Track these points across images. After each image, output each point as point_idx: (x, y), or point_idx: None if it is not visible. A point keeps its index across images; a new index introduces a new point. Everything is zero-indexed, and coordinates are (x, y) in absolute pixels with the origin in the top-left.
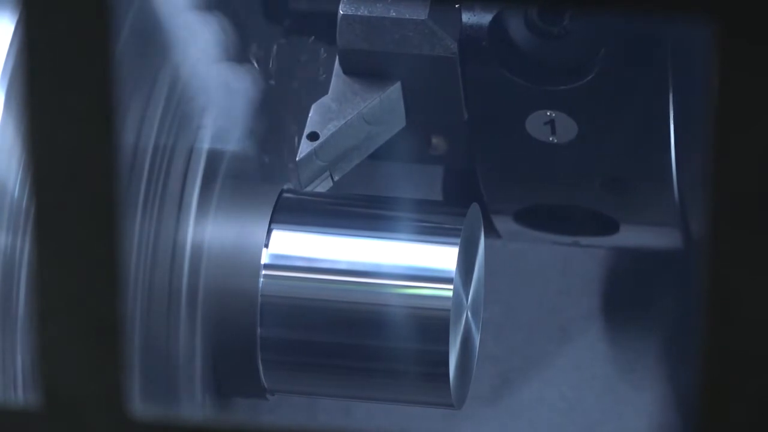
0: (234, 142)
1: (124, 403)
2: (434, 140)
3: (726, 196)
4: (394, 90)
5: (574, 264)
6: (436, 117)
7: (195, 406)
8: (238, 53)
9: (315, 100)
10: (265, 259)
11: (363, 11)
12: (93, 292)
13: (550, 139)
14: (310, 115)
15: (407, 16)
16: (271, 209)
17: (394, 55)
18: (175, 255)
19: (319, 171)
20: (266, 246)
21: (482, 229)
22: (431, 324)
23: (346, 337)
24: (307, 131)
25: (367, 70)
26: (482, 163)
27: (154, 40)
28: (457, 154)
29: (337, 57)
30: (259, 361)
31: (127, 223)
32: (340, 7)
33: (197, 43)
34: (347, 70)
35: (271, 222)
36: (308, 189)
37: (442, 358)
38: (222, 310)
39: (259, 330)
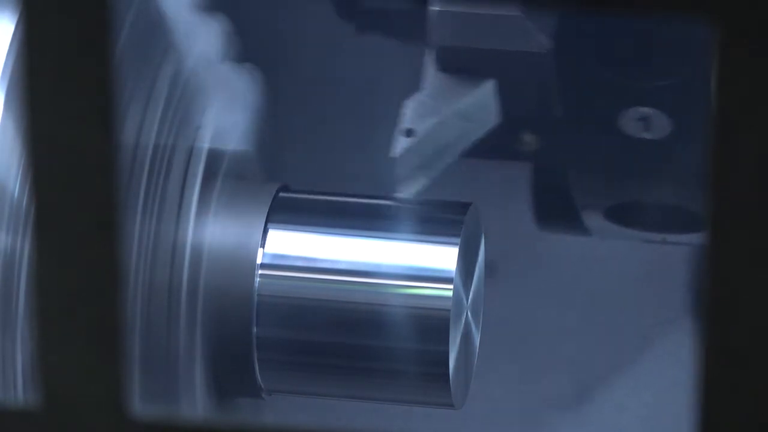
0: (234, 142)
1: (124, 403)
2: (526, 137)
3: (726, 195)
4: (488, 86)
5: (658, 266)
6: (528, 113)
7: (195, 406)
8: (239, 53)
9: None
10: (261, 259)
11: (458, 7)
12: (93, 292)
13: (644, 135)
14: (404, 111)
15: (502, 12)
16: (268, 209)
17: (489, 51)
18: (175, 255)
19: (414, 168)
20: (262, 245)
21: (482, 229)
22: (431, 324)
23: (343, 337)
24: (402, 127)
25: (461, 66)
26: (573, 160)
27: (154, 40)
28: (547, 150)
29: (429, 53)
30: (256, 361)
31: (127, 223)
32: (435, 3)
33: (198, 43)
34: (441, 67)
35: (267, 221)
36: (402, 186)
37: (442, 358)
38: (218, 309)
39: (255, 329)
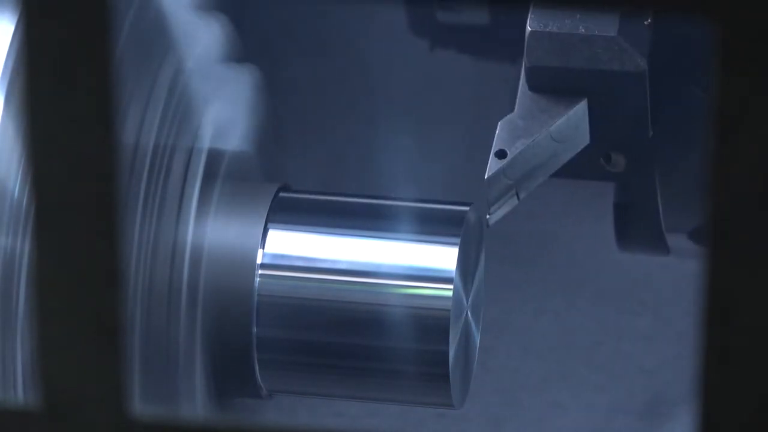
0: (234, 142)
1: (124, 403)
2: (614, 157)
3: (726, 195)
4: (581, 107)
5: None
6: (620, 133)
7: (195, 406)
8: (239, 53)
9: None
10: (261, 259)
11: (552, 27)
12: (93, 292)
13: None
14: (497, 132)
15: (597, 33)
16: (268, 209)
17: (583, 71)
18: (175, 255)
19: (505, 189)
20: (262, 245)
21: (483, 230)
22: (431, 324)
23: (343, 336)
24: (495, 149)
25: (554, 86)
26: (664, 181)
27: (154, 39)
28: (635, 171)
29: (523, 73)
30: (256, 361)
31: (127, 223)
32: (528, 23)
33: (198, 43)
34: (534, 87)
35: (267, 222)
36: (493, 208)
37: (443, 357)
38: (218, 310)
39: (255, 330)
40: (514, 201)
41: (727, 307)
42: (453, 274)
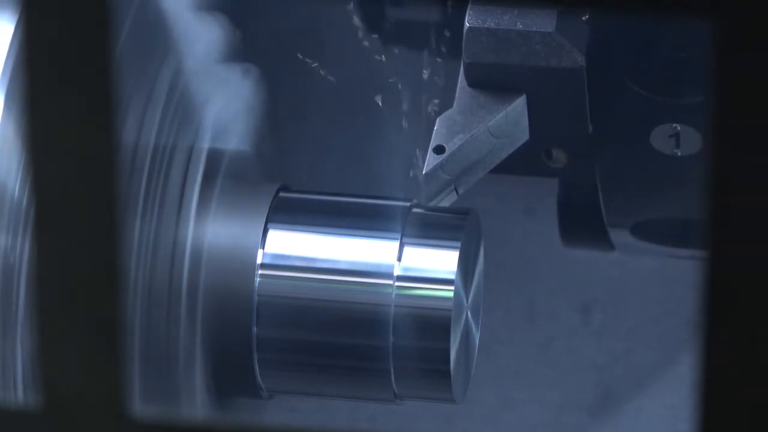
0: (234, 142)
1: (124, 403)
2: (555, 153)
3: (726, 195)
4: (519, 103)
5: (677, 272)
6: (559, 130)
7: (195, 406)
8: (239, 53)
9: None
10: (261, 259)
11: (490, 23)
12: (93, 292)
13: (675, 152)
14: (435, 128)
15: (534, 29)
16: (267, 209)
17: (521, 67)
18: (175, 255)
19: (444, 184)
20: (262, 246)
21: (481, 231)
22: (433, 324)
23: (343, 337)
24: (432, 144)
25: (492, 82)
26: (604, 176)
27: (154, 39)
28: (577, 167)
29: (461, 69)
30: (256, 361)
31: (127, 223)
32: (467, 19)
33: (198, 43)
34: (472, 83)
35: (267, 222)
36: (432, 203)
37: (444, 356)
38: (219, 310)
39: (255, 330)
40: (453, 196)
41: (728, 307)
42: (454, 276)
